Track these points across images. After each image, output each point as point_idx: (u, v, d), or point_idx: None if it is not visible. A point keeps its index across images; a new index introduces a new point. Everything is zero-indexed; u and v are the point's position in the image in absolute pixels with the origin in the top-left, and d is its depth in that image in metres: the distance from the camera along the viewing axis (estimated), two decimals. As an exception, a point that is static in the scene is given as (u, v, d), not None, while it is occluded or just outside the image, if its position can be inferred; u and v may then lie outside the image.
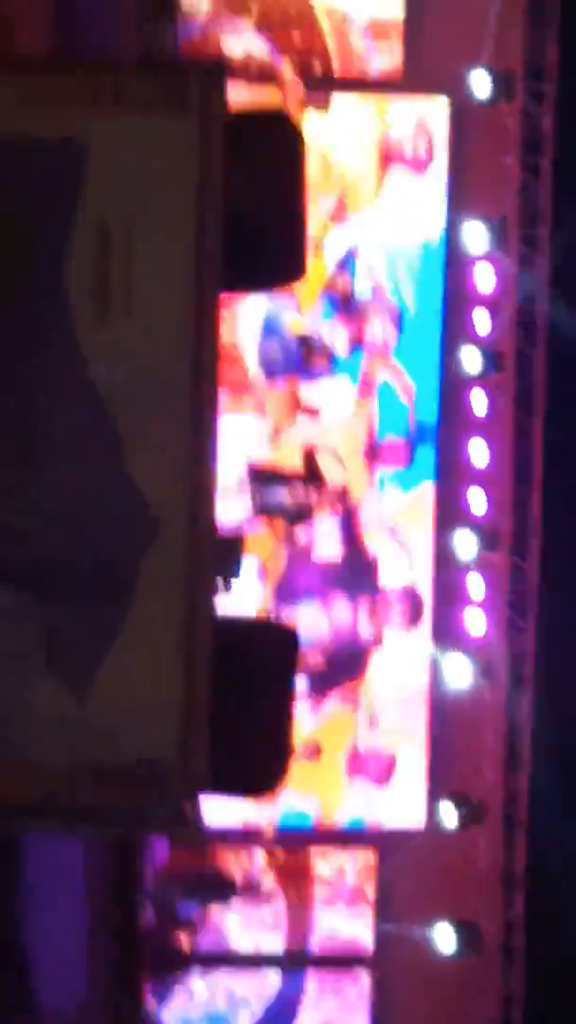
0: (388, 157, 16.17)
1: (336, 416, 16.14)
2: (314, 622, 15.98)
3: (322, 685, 16.07)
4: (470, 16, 15.76)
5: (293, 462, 15.80)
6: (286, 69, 14.95)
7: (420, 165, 16.22)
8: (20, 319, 8.97)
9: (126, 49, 13.17)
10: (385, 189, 16.21)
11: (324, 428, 16.13)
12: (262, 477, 15.27)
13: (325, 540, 16.01)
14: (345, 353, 16.18)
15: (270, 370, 16.09)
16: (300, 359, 16.01)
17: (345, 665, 16.20)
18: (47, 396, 9.14)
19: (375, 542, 16.16)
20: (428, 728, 16.32)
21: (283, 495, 15.20)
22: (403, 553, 16.24)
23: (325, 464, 15.90)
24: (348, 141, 16.06)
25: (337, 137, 15.95)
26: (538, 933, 16.06)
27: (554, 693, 16.08)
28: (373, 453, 16.24)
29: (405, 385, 16.24)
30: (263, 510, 15.16)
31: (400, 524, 16.29)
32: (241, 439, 15.60)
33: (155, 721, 9.44)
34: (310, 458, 15.79)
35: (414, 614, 16.18)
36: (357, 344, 16.24)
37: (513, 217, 15.96)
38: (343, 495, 15.89)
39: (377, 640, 16.17)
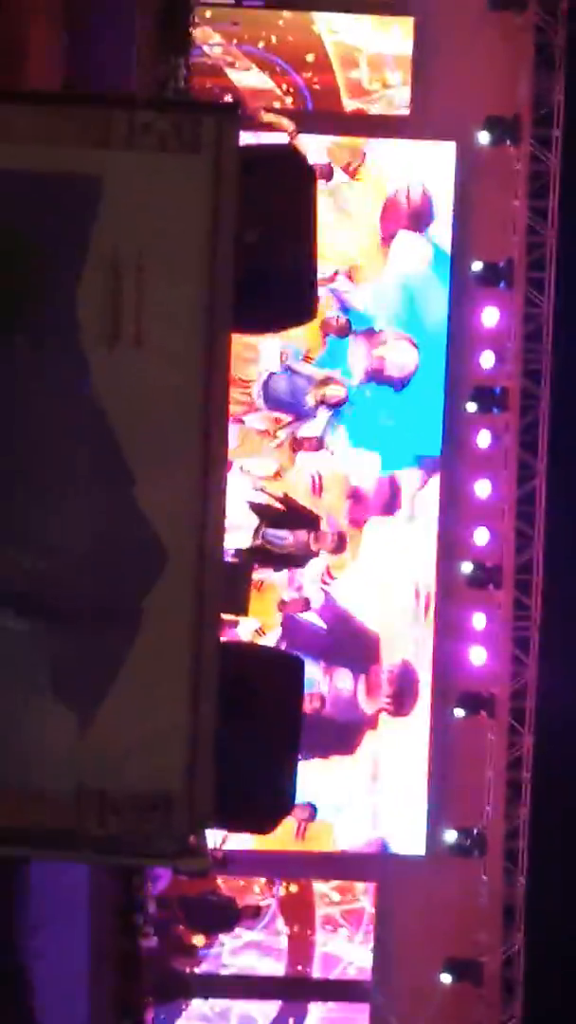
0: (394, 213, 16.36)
1: (338, 455, 16.27)
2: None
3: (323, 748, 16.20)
4: (478, 61, 15.96)
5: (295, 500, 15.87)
6: (287, 124, 15.05)
7: (422, 218, 16.40)
8: (32, 350, 9.04)
9: (140, 84, 13.32)
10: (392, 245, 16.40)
11: (326, 462, 16.23)
12: (265, 515, 15.34)
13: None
14: (356, 383, 16.32)
15: (276, 405, 16.19)
16: (305, 400, 16.13)
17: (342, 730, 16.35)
18: (57, 427, 9.21)
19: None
20: (429, 761, 16.39)
21: (286, 535, 15.25)
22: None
23: (327, 501, 16.01)
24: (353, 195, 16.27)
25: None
26: (538, 966, 16.09)
27: (554, 726, 16.15)
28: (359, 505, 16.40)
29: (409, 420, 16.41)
30: (264, 544, 15.21)
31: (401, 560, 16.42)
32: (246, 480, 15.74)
33: (161, 751, 9.46)
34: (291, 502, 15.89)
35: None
36: (370, 375, 16.38)
37: (520, 258, 16.11)
38: (342, 539, 15.95)
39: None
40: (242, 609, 10.67)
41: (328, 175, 15.79)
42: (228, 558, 14.78)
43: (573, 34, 15.85)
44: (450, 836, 16.25)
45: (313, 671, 16.23)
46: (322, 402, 16.02)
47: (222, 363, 9.32)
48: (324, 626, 16.30)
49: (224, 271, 9.38)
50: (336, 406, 16.19)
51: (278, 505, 15.49)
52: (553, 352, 16.12)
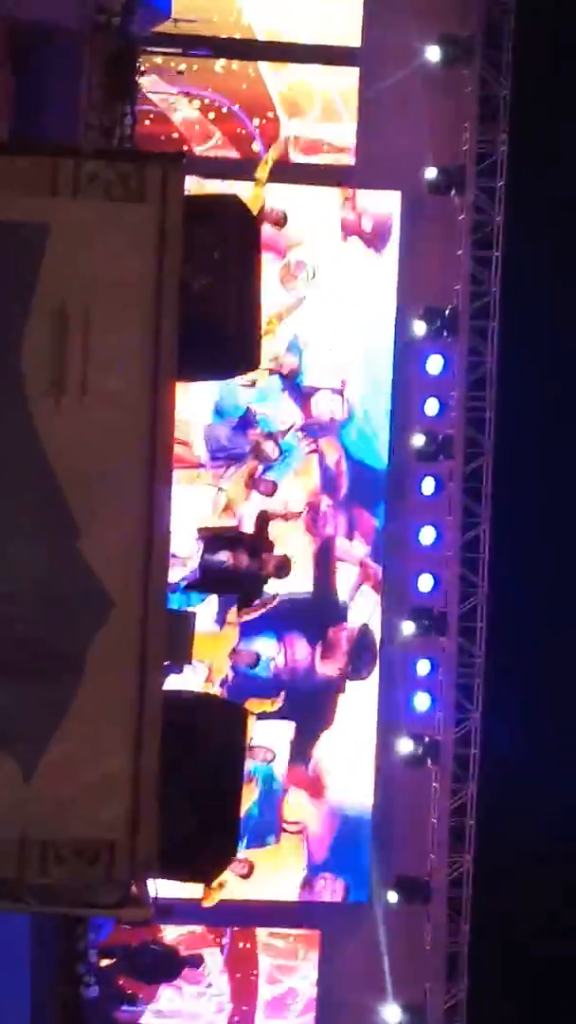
0: (346, 231, 16.45)
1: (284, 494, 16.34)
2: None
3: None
4: (424, 112, 16.11)
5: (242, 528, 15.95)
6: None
7: (376, 243, 16.50)
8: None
9: (86, 131, 13.33)
10: (341, 269, 16.48)
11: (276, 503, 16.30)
12: (208, 539, 15.40)
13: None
14: (292, 430, 16.39)
15: (215, 455, 16.22)
16: (246, 446, 16.18)
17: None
18: (2, 476, 9.18)
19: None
20: (373, 807, 16.38)
21: (224, 557, 15.30)
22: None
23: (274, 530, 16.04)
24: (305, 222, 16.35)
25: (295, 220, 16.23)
26: (481, 1010, 16.08)
27: (498, 773, 16.18)
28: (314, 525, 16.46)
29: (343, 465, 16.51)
30: (206, 572, 15.25)
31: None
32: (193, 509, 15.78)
33: (104, 800, 9.42)
34: (264, 522, 15.92)
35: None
36: (306, 423, 16.45)
37: (464, 307, 16.23)
38: (284, 563, 15.90)
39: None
40: (186, 657, 10.67)
41: (280, 222, 15.84)
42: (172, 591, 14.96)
43: (517, 87, 16.02)
44: (393, 883, 16.22)
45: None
46: (257, 454, 16.16)
47: (167, 411, 9.35)
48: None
49: (169, 319, 9.41)
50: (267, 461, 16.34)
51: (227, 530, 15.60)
52: (497, 400, 16.22)
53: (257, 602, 15.77)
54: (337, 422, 16.50)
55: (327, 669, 16.50)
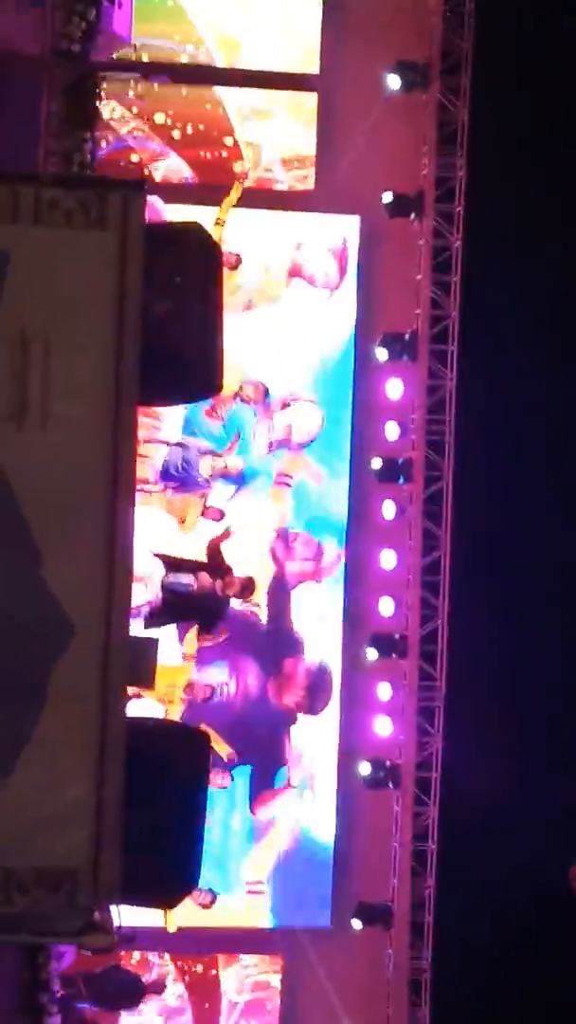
0: (295, 273, 16.49)
1: (244, 517, 16.31)
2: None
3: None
4: (382, 137, 16.18)
5: (197, 554, 15.92)
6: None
7: (328, 284, 16.53)
8: None
9: (46, 158, 13.34)
10: (293, 300, 16.51)
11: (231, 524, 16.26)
12: (168, 564, 15.42)
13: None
14: (262, 452, 16.40)
15: (167, 479, 16.17)
16: (197, 471, 16.14)
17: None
18: (-38, 502, 9.15)
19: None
20: (335, 831, 16.37)
21: (189, 580, 15.34)
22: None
23: (230, 554, 16.00)
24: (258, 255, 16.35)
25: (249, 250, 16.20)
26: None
27: (459, 798, 16.19)
28: (285, 546, 16.45)
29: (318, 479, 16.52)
30: (169, 594, 15.27)
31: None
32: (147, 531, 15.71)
33: (66, 828, 9.39)
34: (215, 549, 15.91)
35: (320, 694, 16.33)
36: (274, 444, 16.45)
37: (423, 331, 16.28)
38: (248, 584, 15.90)
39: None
40: (148, 682, 10.65)
41: (235, 265, 15.84)
42: (138, 617, 15.00)
43: (475, 112, 16.10)
44: (355, 909, 16.20)
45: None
46: (222, 474, 16.13)
47: (129, 437, 9.35)
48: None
49: (131, 345, 9.42)
50: (237, 477, 16.29)
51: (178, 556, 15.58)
52: (456, 424, 16.27)
53: (217, 628, 15.79)
54: (312, 438, 16.50)
55: (282, 701, 16.47)
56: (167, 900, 10.80)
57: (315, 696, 16.47)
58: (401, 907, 16.17)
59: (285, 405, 16.49)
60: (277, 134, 16.40)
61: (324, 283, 16.56)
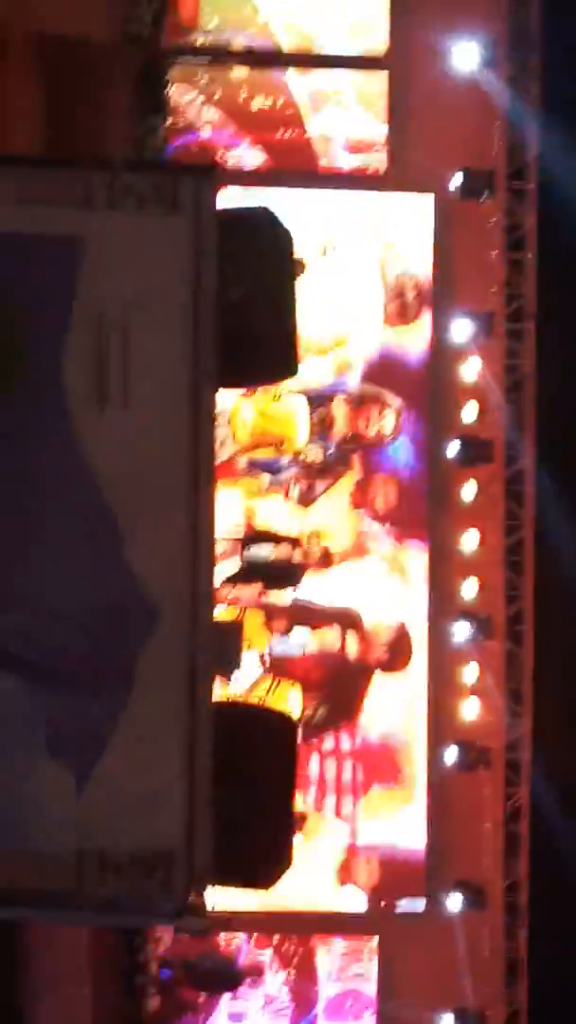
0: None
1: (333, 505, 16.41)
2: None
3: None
4: (452, 117, 16.13)
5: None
6: None
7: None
8: (20, 411, 9.10)
9: (118, 145, 13.41)
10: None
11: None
12: (250, 537, 15.69)
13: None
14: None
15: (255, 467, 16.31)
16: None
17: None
18: (46, 488, 9.24)
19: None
20: (427, 814, 16.34)
21: (268, 551, 15.64)
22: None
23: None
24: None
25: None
26: (542, 1019, 16.01)
27: (552, 779, 16.13)
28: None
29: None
30: (249, 567, 15.57)
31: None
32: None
33: (159, 810, 9.45)
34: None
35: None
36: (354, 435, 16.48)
37: (499, 310, 16.22)
38: (327, 555, 16.05)
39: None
40: (235, 664, 10.69)
41: (298, 273, 15.97)
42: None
43: (546, 89, 16.03)
44: (450, 891, 16.18)
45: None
46: (295, 460, 16.28)
47: (208, 420, 9.40)
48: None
49: (207, 329, 9.47)
50: (310, 466, 16.38)
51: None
52: (536, 403, 16.21)
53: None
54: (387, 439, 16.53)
55: (363, 657, 16.43)
56: (262, 881, 10.85)
57: (397, 654, 16.45)
58: (495, 889, 16.13)
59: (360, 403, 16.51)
60: (347, 118, 16.38)
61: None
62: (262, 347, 10.29)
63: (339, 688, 16.26)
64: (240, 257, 10.01)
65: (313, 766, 16.06)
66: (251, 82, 16.32)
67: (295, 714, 15.86)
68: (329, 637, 16.15)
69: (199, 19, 14.42)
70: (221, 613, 15.21)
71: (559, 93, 16.11)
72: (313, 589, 16.19)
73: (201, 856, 9.58)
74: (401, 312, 16.27)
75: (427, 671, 16.42)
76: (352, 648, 16.20)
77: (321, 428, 16.19)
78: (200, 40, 15.42)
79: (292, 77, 16.38)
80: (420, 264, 16.44)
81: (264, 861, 10.25)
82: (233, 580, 15.56)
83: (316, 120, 16.42)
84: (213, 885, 10.15)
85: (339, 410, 16.40)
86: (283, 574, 15.85)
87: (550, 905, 16.11)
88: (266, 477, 16.15)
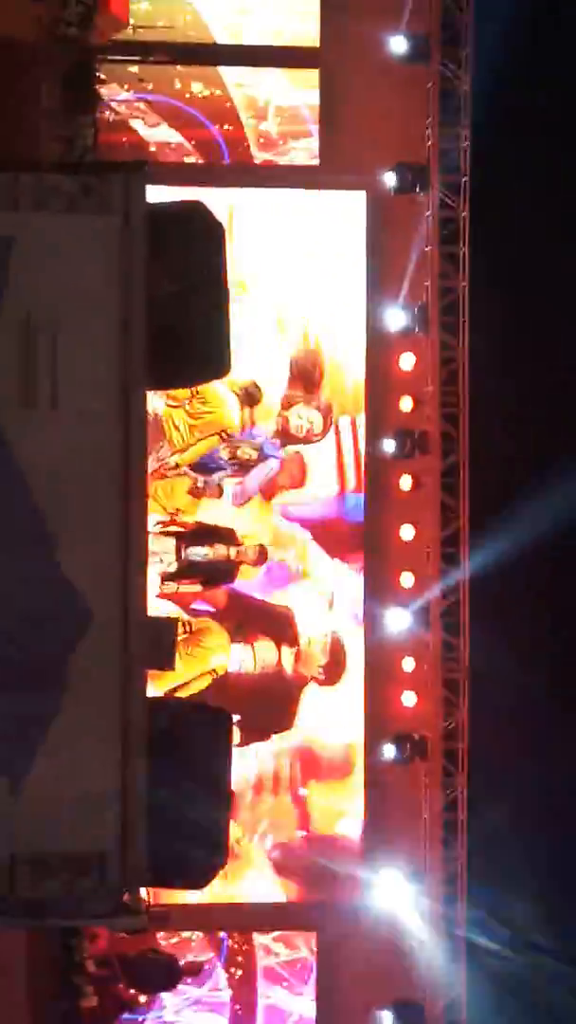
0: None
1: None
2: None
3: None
4: (383, 112, 16.12)
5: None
6: None
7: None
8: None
9: (46, 146, 13.27)
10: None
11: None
12: (188, 535, 15.89)
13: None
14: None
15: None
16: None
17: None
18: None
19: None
20: (365, 805, 16.39)
21: (204, 551, 15.91)
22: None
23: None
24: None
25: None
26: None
27: (489, 769, 16.21)
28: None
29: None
30: (187, 565, 15.82)
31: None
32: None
33: (93, 812, 9.45)
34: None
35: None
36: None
37: (433, 303, 16.23)
38: (262, 552, 16.17)
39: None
40: (169, 664, 10.68)
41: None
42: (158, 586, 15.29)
43: (476, 82, 16.04)
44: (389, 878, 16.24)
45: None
46: (232, 458, 16.32)
47: (139, 420, 9.38)
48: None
49: (137, 329, 9.45)
50: (244, 464, 16.44)
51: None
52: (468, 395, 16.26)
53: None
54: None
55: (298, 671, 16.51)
56: (196, 880, 10.84)
57: (333, 670, 16.53)
58: (436, 871, 16.22)
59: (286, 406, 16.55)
60: (280, 111, 16.35)
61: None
62: (195, 344, 10.25)
63: (275, 697, 16.34)
64: (173, 252, 9.97)
65: (251, 763, 16.08)
66: (185, 79, 16.25)
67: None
68: (268, 654, 16.33)
69: (129, 16, 14.34)
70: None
71: (489, 86, 16.12)
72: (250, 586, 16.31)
73: (135, 856, 9.58)
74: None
75: (363, 664, 16.45)
76: (288, 664, 16.37)
77: (250, 400, 16.22)
78: (131, 37, 15.32)
79: (224, 71, 16.32)
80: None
81: (200, 859, 10.25)
82: (173, 578, 15.77)
83: (247, 112, 16.38)
84: (148, 885, 10.13)
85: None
86: (220, 572, 16.09)
87: (483, 890, 16.20)
88: (201, 478, 16.20)
